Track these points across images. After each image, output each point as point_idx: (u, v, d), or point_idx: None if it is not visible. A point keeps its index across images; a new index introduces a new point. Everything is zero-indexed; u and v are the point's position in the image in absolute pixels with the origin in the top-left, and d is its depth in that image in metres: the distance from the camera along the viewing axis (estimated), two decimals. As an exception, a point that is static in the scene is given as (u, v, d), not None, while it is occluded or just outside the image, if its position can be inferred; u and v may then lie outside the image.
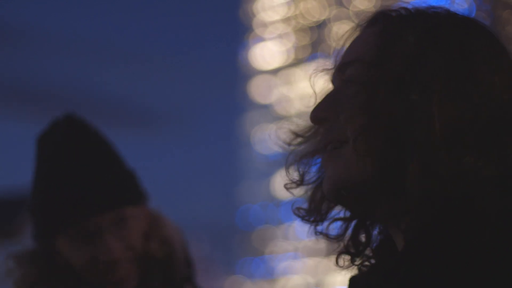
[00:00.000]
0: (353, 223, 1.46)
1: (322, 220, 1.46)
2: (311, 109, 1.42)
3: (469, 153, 1.27)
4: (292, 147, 1.53)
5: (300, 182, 1.49)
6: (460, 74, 1.31)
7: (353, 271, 1.45)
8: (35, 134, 2.21)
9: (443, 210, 1.27)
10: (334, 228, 1.47)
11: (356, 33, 1.45)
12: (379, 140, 1.29)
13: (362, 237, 1.45)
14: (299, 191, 1.51)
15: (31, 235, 2.17)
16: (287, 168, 1.51)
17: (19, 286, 2.15)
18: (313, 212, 1.47)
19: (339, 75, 1.42)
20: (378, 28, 1.40)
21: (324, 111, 1.39)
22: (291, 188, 1.51)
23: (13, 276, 2.15)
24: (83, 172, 2.12)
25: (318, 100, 1.42)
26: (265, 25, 73.66)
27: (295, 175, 1.50)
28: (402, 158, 1.28)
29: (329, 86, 1.46)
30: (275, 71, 72.55)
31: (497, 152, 1.29)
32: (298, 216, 1.48)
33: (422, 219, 1.28)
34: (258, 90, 72.86)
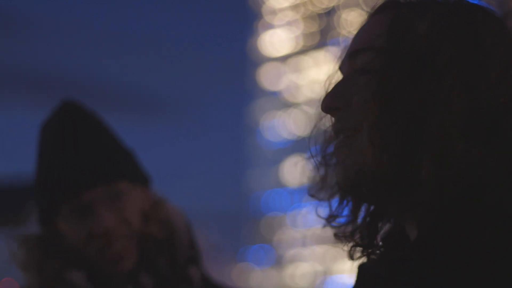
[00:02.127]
0: (366, 218, 1.43)
1: (352, 222, 1.42)
2: (321, 98, 1.39)
3: (479, 144, 1.26)
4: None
5: (323, 184, 1.47)
6: (473, 63, 1.29)
7: (362, 259, 1.44)
8: (35, 123, 2.29)
9: (456, 201, 1.27)
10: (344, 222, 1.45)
11: (365, 20, 1.43)
12: (393, 130, 1.28)
13: (374, 228, 1.43)
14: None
15: (36, 221, 2.21)
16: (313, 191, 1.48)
17: (23, 268, 2.17)
18: (341, 215, 1.44)
19: (349, 63, 1.39)
20: (388, 15, 1.38)
21: (335, 100, 1.36)
22: (316, 195, 1.48)
23: (17, 258, 2.18)
24: (77, 152, 2.16)
25: (328, 89, 1.40)
26: (274, 12, 73.54)
27: (316, 177, 1.48)
28: (416, 148, 1.27)
29: (338, 75, 1.44)
30: (284, 58, 72.47)
31: (505, 145, 1.28)
32: (329, 224, 1.45)
33: (435, 210, 1.27)
34: (267, 77, 72.80)
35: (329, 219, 1.44)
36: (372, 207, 1.43)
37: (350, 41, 1.42)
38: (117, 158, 2.20)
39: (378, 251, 1.42)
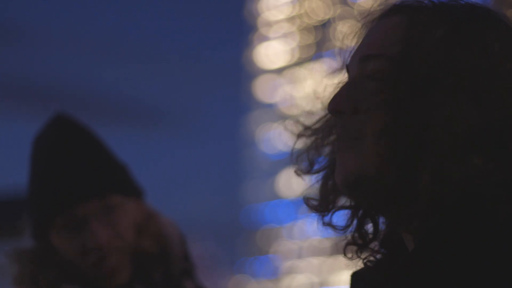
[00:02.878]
0: (360, 214, 1.43)
1: (329, 209, 1.44)
2: (328, 99, 1.38)
3: (479, 156, 1.26)
4: (300, 139, 1.51)
5: (310, 169, 1.47)
6: (485, 77, 1.29)
7: (357, 266, 1.43)
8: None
9: (454, 212, 1.26)
10: (340, 219, 1.45)
11: (376, 22, 1.40)
12: (399, 140, 1.27)
13: (369, 228, 1.43)
14: (307, 183, 1.50)
15: (29, 234, 2.20)
16: (296, 157, 1.49)
17: (17, 282, 2.16)
18: (322, 203, 1.44)
19: (359, 67, 1.37)
20: (402, 20, 1.36)
21: (342, 104, 1.35)
22: (301, 174, 1.49)
23: (11, 272, 2.17)
24: (70, 165, 2.16)
25: (335, 91, 1.38)
26: (269, 24, 73.62)
27: (304, 164, 1.48)
28: (418, 159, 1.26)
29: (345, 76, 1.42)
30: (279, 70, 72.51)
31: (505, 156, 1.27)
32: (308, 205, 1.46)
33: (432, 221, 1.27)
34: (262, 89, 72.83)
35: (316, 206, 1.45)
36: (369, 212, 1.43)
37: (361, 42, 1.40)
38: (110, 171, 2.20)
39: (373, 257, 1.42)
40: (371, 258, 1.42)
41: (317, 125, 1.49)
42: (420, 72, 1.29)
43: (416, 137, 1.27)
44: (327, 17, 69.12)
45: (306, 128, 1.51)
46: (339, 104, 1.35)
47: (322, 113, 1.48)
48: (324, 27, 69.29)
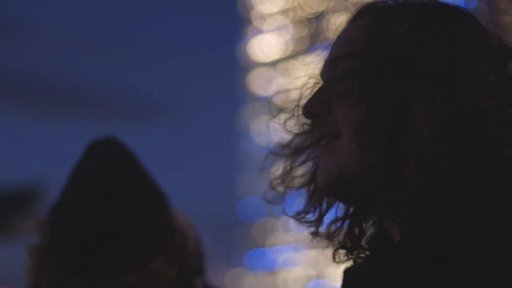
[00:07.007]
0: (347, 220, 1.45)
1: (321, 219, 1.46)
2: (303, 104, 1.41)
3: (462, 145, 1.27)
4: (283, 143, 1.53)
5: (287, 182, 1.50)
6: (451, 66, 1.30)
7: (348, 263, 1.45)
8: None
9: (439, 202, 1.27)
10: (326, 223, 1.47)
11: (344, 27, 1.44)
12: (376, 134, 1.28)
13: (357, 231, 1.45)
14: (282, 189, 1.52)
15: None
16: (282, 176, 1.52)
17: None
18: (312, 212, 1.46)
19: (329, 69, 1.40)
20: (367, 20, 1.39)
21: (316, 107, 1.38)
22: (278, 187, 1.51)
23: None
24: (116, 224, 1.95)
25: (309, 95, 1.41)
26: (263, 17, 73.55)
27: (282, 172, 1.51)
28: (399, 150, 1.27)
29: (320, 81, 1.45)
30: (273, 63, 72.47)
31: (487, 145, 1.28)
32: (297, 220, 1.48)
33: (418, 211, 1.28)
34: (257, 82, 72.80)
35: (299, 217, 1.47)
36: (353, 209, 1.44)
37: (330, 47, 1.43)
38: (160, 233, 2.02)
39: (363, 254, 1.43)
40: (361, 255, 1.43)
41: (295, 141, 1.51)
42: (387, 61, 1.30)
43: (393, 126, 1.28)
44: (320, 9, 69.06)
45: (285, 146, 1.53)
46: (313, 107, 1.38)
47: (298, 127, 1.50)
48: (318, 19, 69.24)
